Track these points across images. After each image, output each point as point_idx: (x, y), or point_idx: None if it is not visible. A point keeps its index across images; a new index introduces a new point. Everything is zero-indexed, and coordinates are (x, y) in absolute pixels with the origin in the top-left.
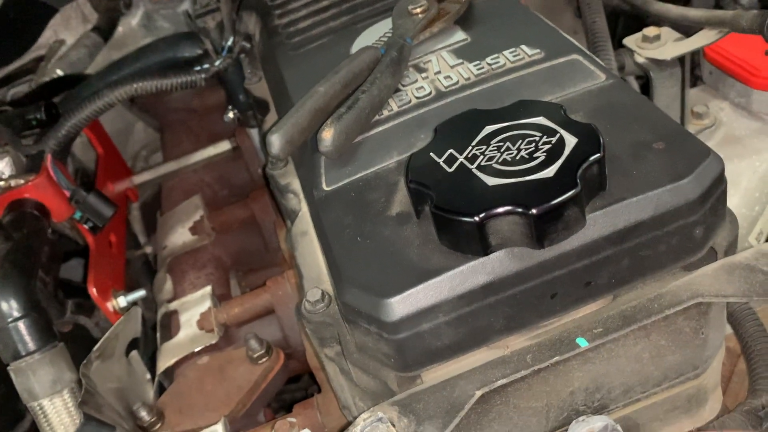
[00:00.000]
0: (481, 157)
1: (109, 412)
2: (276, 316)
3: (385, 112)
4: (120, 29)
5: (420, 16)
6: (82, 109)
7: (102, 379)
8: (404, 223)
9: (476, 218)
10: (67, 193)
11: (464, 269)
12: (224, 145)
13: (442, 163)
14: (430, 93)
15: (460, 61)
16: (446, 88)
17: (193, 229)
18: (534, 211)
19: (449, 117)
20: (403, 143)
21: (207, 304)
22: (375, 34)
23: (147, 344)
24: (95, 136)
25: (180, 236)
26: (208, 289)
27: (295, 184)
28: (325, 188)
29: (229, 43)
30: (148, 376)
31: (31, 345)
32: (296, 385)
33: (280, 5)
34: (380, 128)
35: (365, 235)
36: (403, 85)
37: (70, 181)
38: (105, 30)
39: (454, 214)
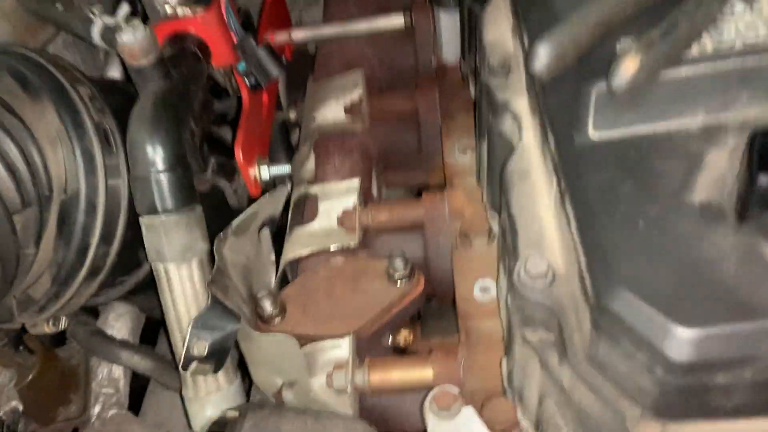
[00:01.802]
0: None
1: (234, 296)
2: (422, 235)
3: (695, 50)
4: None
5: None
6: None
7: (232, 254)
8: (714, 222)
9: None
10: (235, 39)
11: None
12: (397, 20)
13: None
14: (765, 38)
15: None
16: None
17: (349, 109)
18: None
19: None
20: (716, 100)
21: (352, 199)
22: None
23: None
24: None
25: (332, 112)
26: (356, 182)
27: (518, 104)
28: (593, 134)
29: None
30: (273, 257)
31: (169, 203)
32: None
33: None
34: (685, 70)
35: (651, 221)
36: (724, 16)
37: (240, 26)
38: None
39: None
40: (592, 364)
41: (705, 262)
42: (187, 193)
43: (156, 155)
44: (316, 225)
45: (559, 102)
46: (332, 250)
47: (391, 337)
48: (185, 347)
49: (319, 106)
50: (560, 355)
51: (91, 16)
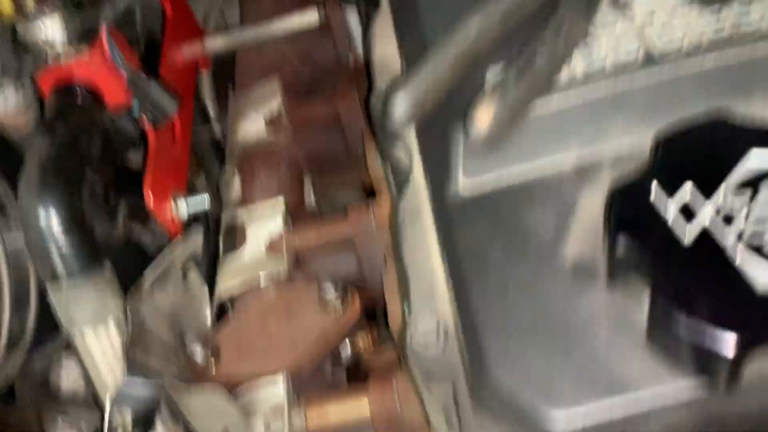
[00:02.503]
0: (745, 223)
1: (158, 351)
2: (354, 250)
3: (565, 75)
4: None
5: None
6: None
7: (154, 302)
8: (586, 281)
9: (732, 351)
10: (125, 75)
11: (681, 393)
12: (312, 15)
13: (671, 217)
14: (637, 53)
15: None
16: (662, 49)
17: (269, 121)
18: None
19: (677, 118)
20: (589, 130)
21: (278, 219)
22: None
23: (208, 247)
24: None
25: (253, 124)
26: (281, 201)
27: (410, 137)
28: (464, 182)
29: None
30: (206, 292)
31: (72, 267)
32: None
33: None
34: (554, 101)
35: (521, 286)
36: (593, 33)
37: (129, 59)
38: None
39: (693, 322)
40: (480, 424)
41: (576, 330)
42: (90, 253)
43: (50, 219)
44: (246, 251)
45: (429, 145)
46: (263, 278)
47: (349, 345)
48: (106, 424)
49: (240, 120)
50: (458, 413)
51: None
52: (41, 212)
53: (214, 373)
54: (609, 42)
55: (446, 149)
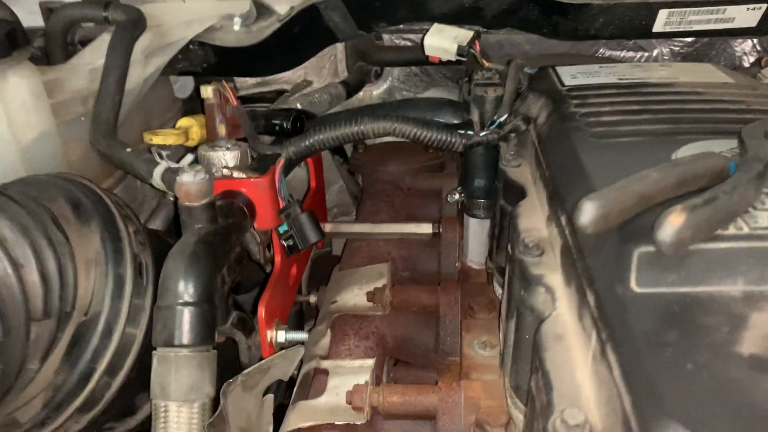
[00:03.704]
0: None
1: None
2: (434, 425)
3: (732, 229)
4: (361, 94)
5: None
6: (334, 128)
7: (234, 408)
8: (766, 372)
9: None
10: (282, 204)
11: None
12: (425, 228)
13: None
14: None
15: None
16: None
17: (371, 295)
18: None
19: None
20: (754, 273)
21: (364, 377)
22: (704, 149)
23: (278, 390)
24: (314, 170)
25: (354, 296)
26: (371, 362)
27: (551, 279)
28: (636, 289)
29: (502, 119)
30: (271, 428)
31: (187, 337)
32: None
33: (579, 96)
34: (723, 244)
35: (700, 365)
36: (755, 208)
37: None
38: (350, 88)
39: None
40: None
41: (759, 406)
42: (206, 332)
43: (187, 288)
44: (323, 399)
45: (603, 262)
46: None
47: None
48: None
49: (341, 290)
50: None
51: (158, 158)
52: (182, 279)
53: None
54: None
55: (618, 265)
